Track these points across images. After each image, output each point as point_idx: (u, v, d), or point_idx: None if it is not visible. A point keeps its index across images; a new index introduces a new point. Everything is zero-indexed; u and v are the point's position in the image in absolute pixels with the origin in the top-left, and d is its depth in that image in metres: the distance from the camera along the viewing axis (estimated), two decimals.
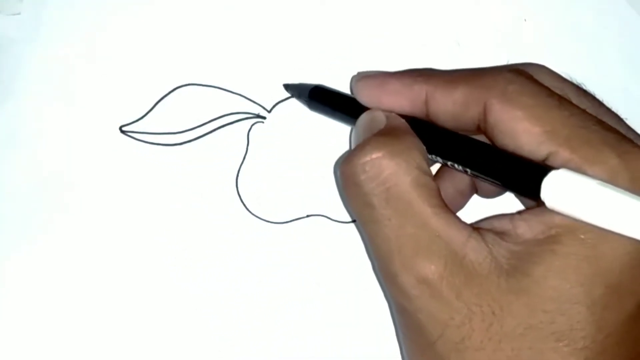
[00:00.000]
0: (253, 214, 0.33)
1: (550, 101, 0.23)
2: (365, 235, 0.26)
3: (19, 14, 0.34)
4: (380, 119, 0.27)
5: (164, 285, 0.32)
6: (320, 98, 0.31)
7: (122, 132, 0.33)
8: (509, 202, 0.30)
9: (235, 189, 0.33)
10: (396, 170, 0.24)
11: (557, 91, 0.24)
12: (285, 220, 0.33)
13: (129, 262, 0.32)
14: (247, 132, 0.33)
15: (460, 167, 0.25)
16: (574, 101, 0.24)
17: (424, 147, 0.26)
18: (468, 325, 0.22)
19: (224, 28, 0.34)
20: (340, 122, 0.31)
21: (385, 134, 0.26)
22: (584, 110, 0.23)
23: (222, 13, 0.35)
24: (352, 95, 0.29)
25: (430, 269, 0.23)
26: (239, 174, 0.33)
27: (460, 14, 0.35)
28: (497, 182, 0.24)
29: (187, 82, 0.34)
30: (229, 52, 0.34)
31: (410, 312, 0.24)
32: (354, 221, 0.33)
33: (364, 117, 0.28)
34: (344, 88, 0.33)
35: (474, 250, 0.23)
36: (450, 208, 0.24)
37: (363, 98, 0.28)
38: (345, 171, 0.25)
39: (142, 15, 0.34)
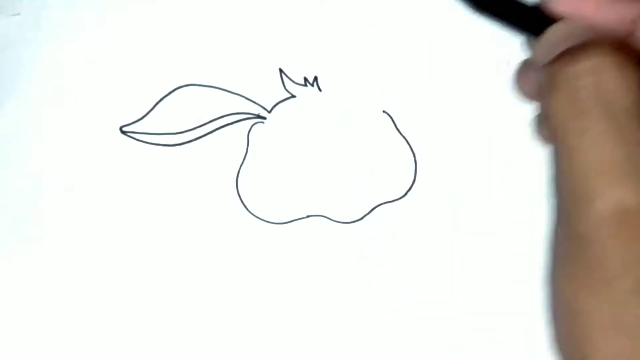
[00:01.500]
0: (253, 214, 0.33)
1: None
2: (563, 147, 0.23)
3: (18, 14, 0.34)
4: (584, 33, 0.24)
5: (164, 285, 0.32)
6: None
7: (123, 132, 0.33)
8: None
9: (235, 189, 0.33)
10: (621, 84, 0.22)
11: None
12: (285, 221, 0.33)
13: (129, 262, 0.32)
14: (247, 132, 0.33)
15: None
16: None
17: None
18: None
19: (224, 29, 0.34)
20: (508, 30, 0.28)
21: (606, 43, 0.23)
22: None
23: (221, 14, 0.35)
24: (534, 4, 0.27)
25: (631, 198, 0.21)
26: (239, 174, 0.33)
27: (459, 14, 0.35)
28: None
29: (187, 83, 0.34)
30: (229, 52, 0.34)
31: (595, 241, 0.22)
32: (354, 221, 0.33)
33: (560, 28, 0.24)
34: (345, 86, 0.33)
35: None
36: None
37: (560, 4, 0.24)
38: (561, 72, 0.23)
39: (142, 16, 0.34)
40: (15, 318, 0.31)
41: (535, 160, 0.30)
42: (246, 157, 0.33)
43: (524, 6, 0.26)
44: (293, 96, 0.34)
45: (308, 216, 0.33)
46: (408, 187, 0.33)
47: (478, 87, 0.34)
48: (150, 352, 0.31)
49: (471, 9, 0.27)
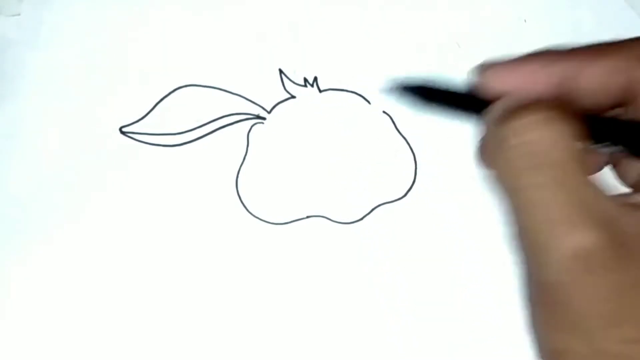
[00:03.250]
0: (253, 215, 0.33)
1: None
2: (512, 204, 0.24)
3: (18, 15, 0.34)
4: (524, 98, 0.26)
5: (164, 285, 0.32)
6: (429, 96, 0.29)
7: (123, 132, 0.33)
8: None
9: (235, 189, 0.33)
10: (553, 137, 0.23)
11: None
12: (285, 221, 0.33)
13: (129, 262, 0.32)
14: (247, 132, 0.33)
15: (614, 148, 0.24)
16: None
17: (576, 118, 0.25)
18: (624, 299, 0.22)
19: (223, 29, 0.34)
20: (449, 117, 0.29)
21: (535, 102, 0.24)
22: None
23: (221, 14, 0.35)
24: (468, 90, 0.28)
25: (587, 240, 0.22)
26: (239, 175, 0.33)
27: (460, 15, 0.35)
28: None
29: (187, 83, 0.34)
30: (229, 53, 0.34)
31: (558, 285, 0.23)
32: (354, 222, 0.33)
33: (501, 103, 0.26)
34: (345, 86, 0.33)
35: (630, 224, 0.22)
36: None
37: (494, 85, 0.26)
38: (496, 135, 0.24)
39: (142, 17, 0.34)
40: (15, 318, 0.31)
41: None
42: (246, 158, 0.33)
43: (462, 94, 0.27)
44: (293, 97, 0.34)
45: (308, 217, 0.33)
46: (408, 188, 0.33)
47: None
48: (150, 353, 0.31)
49: (414, 108, 0.29)
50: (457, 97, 0.28)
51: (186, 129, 0.33)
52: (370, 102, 0.34)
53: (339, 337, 0.32)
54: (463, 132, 0.33)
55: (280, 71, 0.34)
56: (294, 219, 0.33)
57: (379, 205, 0.33)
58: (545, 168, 0.23)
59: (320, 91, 0.34)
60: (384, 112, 0.34)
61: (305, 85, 0.34)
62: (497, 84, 0.27)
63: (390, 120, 0.33)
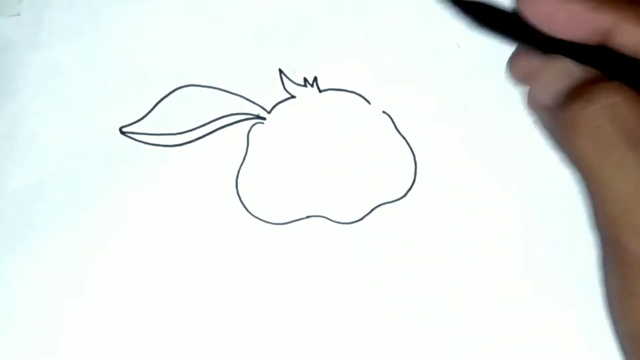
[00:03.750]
0: (253, 215, 0.33)
1: None
2: (596, 183, 0.25)
3: (18, 14, 0.35)
4: (574, 70, 0.26)
5: (163, 286, 0.32)
6: (481, 14, 0.28)
7: (122, 133, 0.33)
8: None
9: (235, 189, 0.33)
10: (638, 115, 0.23)
11: None
12: (285, 221, 0.33)
13: (128, 262, 0.32)
14: (246, 133, 0.33)
15: None
16: None
17: None
18: None
19: (223, 29, 0.34)
20: (493, 38, 0.28)
21: (612, 82, 0.24)
22: None
23: (221, 14, 0.35)
24: (514, 11, 0.27)
25: None
26: (239, 175, 0.33)
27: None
28: None
29: (187, 83, 0.34)
30: (229, 53, 0.34)
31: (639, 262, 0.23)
32: (354, 222, 0.33)
33: (554, 66, 0.26)
34: (345, 86, 0.33)
35: None
36: None
37: (537, 15, 0.26)
38: (580, 113, 0.24)
39: (142, 16, 0.34)
40: (15, 319, 0.31)
41: (536, 161, 0.30)
42: (246, 158, 0.33)
43: (505, 12, 0.27)
44: (293, 97, 0.34)
45: (308, 217, 0.33)
46: (408, 188, 0.33)
47: (479, 87, 0.34)
48: (149, 353, 0.31)
49: (458, 16, 0.28)
50: (506, 18, 0.27)
51: (186, 129, 0.33)
52: (370, 102, 0.34)
53: (339, 337, 0.32)
54: (463, 132, 0.33)
55: (280, 71, 0.34)
56: (294, 219, 0.33)
57: (379, 205, 0.33)
58: (636, 146, 0.23)
59: (320, 91, 0.34)
60: (383, 112, 0.34)
61: (305, 85, 0.34)
62: (541, 15, 0.25)
63: (390, 120, 0.33)
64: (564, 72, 0.26)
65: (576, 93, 0.24)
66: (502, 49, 0.34)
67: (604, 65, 0.25)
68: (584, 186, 0.26)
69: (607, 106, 0.24)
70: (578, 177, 0.27)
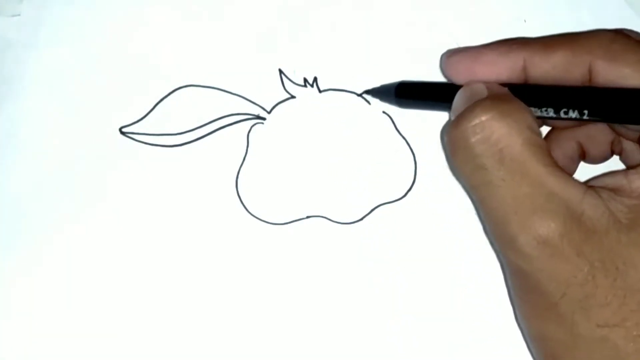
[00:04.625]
0: (253, 215, 0.33)
1: None
2: (476, 199, 0.26)
3: (18, 15, 0.35)
4: (481, 89, 0.27)
5: (163, 286, 0.32)
6: (408, 93, 0.31)
7: (122, 133, 0.33)
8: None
9: (235, 190, 0.33)
10: (508, 131, 0.24)
11: None
12: (285, 221, 0.33)
13: (128, 262, 0.32)
14: (246, 133, 0.33)
15: (575, 114, 0.25)
16: None
17: (531, 109, 0.26)
18: (592, 282, 0.22)
19: (223, 29, 0.34)
20: (434, 110, 0.31)
21: (490, 99, 0.26)
22: None
23: (221, 14, 0.35)
24: (442, 81, 0.29)
25: (550, 227, 0.23)
26: (239, 175, 0.33)
27: (460, 15, 0.35)
28: (620, 118, 0.25)
29: (187, 84, 0.34)
30: (229, 53, 0.34)
31: (530, 273, 0.24)
32: (354, 222, 0.33)
33: (463, 91, 0.27)
34: (345, 86, 0.33)
35: (591, 207, 0.23)
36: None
37: (457, 73, 0.28)
38: (455, 135, 0.25)
39: (142, 17, 0.34)
40: (16, 319, 0.31)
41: None
42: (246, 158, 0.33)
43: (437, 84, 0.29)
44: (293, 97, 0.34)
45: (308, 217, 0.33)
46: (408, 188, 0.33)
47: None
48: (149, 353, 0.31)
49: (397, 105, 0.31)
50: (431, 89, 0.30)
51: (186, 129, 0.33)
52: (370, 102, 0.34)
53: (339, 337, 0.32)
54: None
55: (280, 71, 0.34)
56: (294, 219, 0.33)
57: (379, 206, 0.33)
58: (506, 162, 0.24)
59: (320, 91, 0.34)
60: (383, 112, 0.34)
61: (305, 86, 0.34)
62: (460, 72, 0.28)
63: (390, 121, 0.33)
64: (472, 93, 0.27)
65: (460, 114, 0.25)
66: None
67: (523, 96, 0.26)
68: (473, 199, 0.27)
69: (477, 125, 0.24)
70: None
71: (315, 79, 0.34)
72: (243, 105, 0.34)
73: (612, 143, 0.29)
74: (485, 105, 0.25)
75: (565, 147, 0.29)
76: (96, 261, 0.32)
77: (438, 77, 0.34)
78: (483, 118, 0.24)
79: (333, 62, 0.34)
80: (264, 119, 0.34)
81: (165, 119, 0.33)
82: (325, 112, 0.34)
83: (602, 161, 0.30)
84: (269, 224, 0.33)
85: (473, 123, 0.24)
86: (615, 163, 0.31)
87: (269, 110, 0.34)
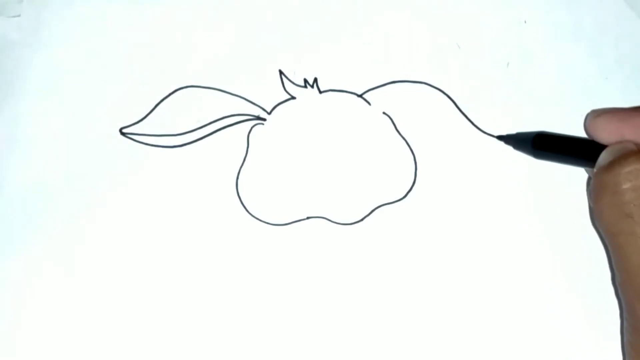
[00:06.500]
0: (253, 216, 0.33)
1: None
2: (614, 247, 0.25)
3: (18, 16, 0.35)
4: (631, 147, 0.26)
5: (163, 287, 0.32)
6: (546, 145, 0.30)
7: (123, 134, 0.33)
8: None
9: (235, 190, 0.33)
10: None
11: None
12: (285, 222, 0.33)
13: (128, 263, 0.32)
14: (247, 133, 0.33)
15: None
16: None
17: None
18: None
19: (223, 30, 0.34)
20: (570, 165, 0.30)
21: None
22: None
23: (221, 15, 0.35)
24: (583, 136, 0.29)
25: None
26: (239, 176, 0.33)
27: (460, 15, 0.35)
28: None
29: (187, 84, 0.34)
30: (229, 54, 0.34)
31: None
32: (354, 223, 0.33)
33: (613, 147, 0.27)
34: (345, 87, 0.33)
35: None
36: None
37: (605, 134, 0.28)
38: (605, 179, 0.25)
39: (142, 17, 0.34)
40: (16, 319, 0.31)
41: (536, 161, 0.30)
42: (246, 159, 0.33)
43: (579, 140, 0.29)
44: (293, 97, 0.34)
45: (308, 218, 0.33)
46: (408, 189, 0.33)
47: (478, 87, 0.34)
48: (149, 353, 0.31)
49: (531, 154, 0.30)
50: (572, 144, 0.30)
51: (186, 130, 0.33)
52: (370, 103, 0.34)
53: (339, 338, 0.32)
54: (463, 133, 0.33)
55: (280, 72, 0.34)
56: (294, 220, 0.33)
57: (379, 207, 0.33)
58: None
59: (320, 92, 0.34)
60: (383, 113, 0.34)
61: (305, 86, 0.34)
62: (608, 132, 0.27)
63: (390, 122, 0.33)
64: (623, 149, 0.26)
65: (612, 160, 0.25)
66: (501, 50, 0.34)
67: None
68: (606, 249, 0.27)
69: (631, 172, 0.24)
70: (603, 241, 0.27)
71: (315, 80, 0.34)
72: (243, 106, 0.34)
73: None
74: (638, 154, 0.25)
75: None
76: (96, 261, 0.32)
77: (439, 77, 0.34)
78: (638, 166, 0.24)
79: (333, 62, 0.34)
80: (264, 119, 0.34)
81: (166, 120, 0.33)
82: (325, 112, 0.34)
83: None
84: (269, 225, 0.33)
85: (627, 170, 0.24)
86: None
87: (269, 111, 0.34)
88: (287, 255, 0.32)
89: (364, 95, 0.34)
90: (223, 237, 0.32)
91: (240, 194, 0.33)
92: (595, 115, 0.28)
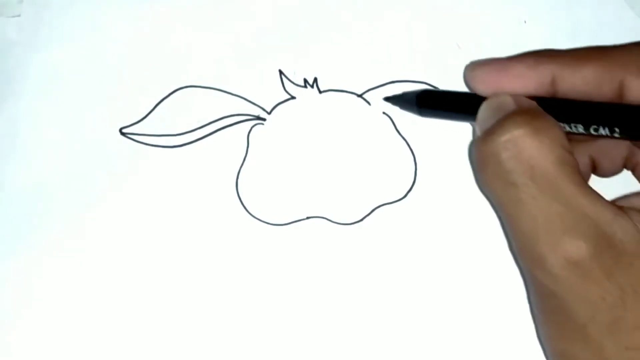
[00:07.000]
0: (253, 216, 0.33)
1: None
2: (505, 216, 0.25)
3: (18, 16, 0.35)
4: (509, 102, 0.26)
5: (163, 287, 0.32)
6: (430, 102, 0.30)
7: (122, 134, 0.33)
8: None
9: (235, 190, 0.33)
10: (540, 148, 0.23)
11: None
12: (285, 222, 0.33)
13: (128, 263, 0.32)
14: (247, 133, 0.33)
15: (606, 131, 0.24)
16: None
17: (560, 125, 0.25)
18: (621, 305, 0.22)
19: (223, 30, 0.34)
20: (456, 121, 0.30)
21: (521, 114, 0.25)
22: None
23: (221, 15, 0.35)
24: (465, 90, 0.28)
25: (581, 248, 0.22)
26: (239, 176, 0.33)
27: (460, 15, 0.35)
28: None
29: (187, 84, 0.34)
30: (229, 53, 0.34)
31: (557, 294, 0.23)
32: (354, 223, 0.33)
33: (490, 102, 0.26)
34: (345, 87, 0.33)
35: (622, 229, 0.22)
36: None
37: (483, 85, 0.27)
38: (485, 149, 0.24)
39: (142, 17, 0.34)
40: (16, 319, 0.31)
41: None
42: (246, 159, 0.33)
43: (460, 94, 0.28)
44: (293, 97, 0.34)
45: (308, 217, 0.33)
46: (408, 189, 0.33)
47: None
48: (149, 353, 0.31)
49: (418, 114, 0.30)
50: (454, 99, 0.29)
51: (186, 130, 0.33)
52: (371, 103, 0.34)
53: (339, 338, 0.32)
54: (463, 133, 0.33)
55: (280, 72, 0.34)
56: (294, 219, 0.33)
57: (379, 206, 0.33)
58: (538, 179, 0.23)
59: (320, 92, 0.34)
60: (384, 113, 0.34)
61: (305, 86, 0.34)
62: (487, 83, 0.27)
63: (390, 121, 0.33)
64: (500, 105, 0.26)
65: (489, 129, 0.25)
66: (501, 50, 0.34)
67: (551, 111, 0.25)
68: (500, 216, 0.26)
69: (509, 140, 0.24)
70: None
71: (315, 80, 0.34)
72: (243, 106, 0.34)
73: (626, 158, 0.29)
74: (516, 120, 0.24)
75: (578, 161, 0.29)
76: (96, 261, 0.32)
77: (438, 77, 0.34)
78: (515, 133, 0.24)
79: (333, 62, 0.34)
80: (264, 119, 0.34)
81: (166, 120, 0.33)
82: (325, 112, 0.34)
83: (612, 175, 0.29)
84: (269, 225, 0.33)
85: (504, 138, 0.24)
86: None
87: (269, 111, 0.34)
88: (287, 255, 0.32)
89: (363, 95, 0.34)
90: (223, 237, 0.32)
91: (240, 194, 0.33)
92: (474, 66, 0.27)
